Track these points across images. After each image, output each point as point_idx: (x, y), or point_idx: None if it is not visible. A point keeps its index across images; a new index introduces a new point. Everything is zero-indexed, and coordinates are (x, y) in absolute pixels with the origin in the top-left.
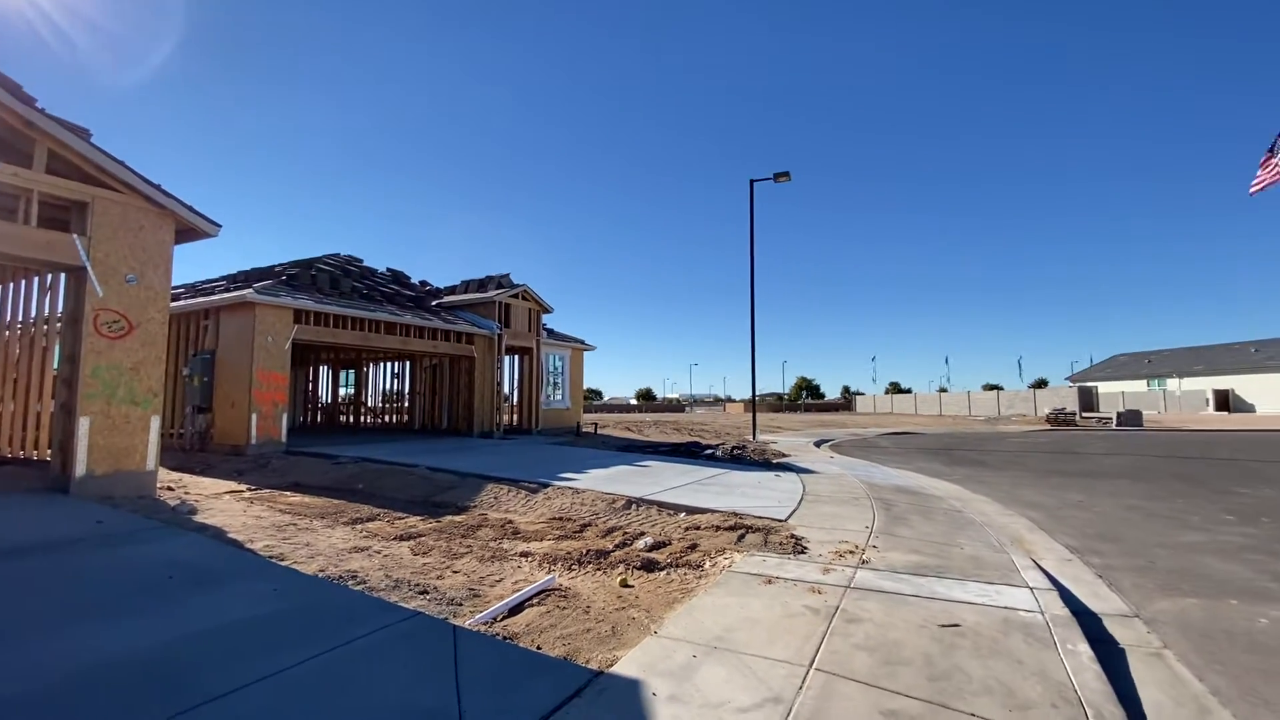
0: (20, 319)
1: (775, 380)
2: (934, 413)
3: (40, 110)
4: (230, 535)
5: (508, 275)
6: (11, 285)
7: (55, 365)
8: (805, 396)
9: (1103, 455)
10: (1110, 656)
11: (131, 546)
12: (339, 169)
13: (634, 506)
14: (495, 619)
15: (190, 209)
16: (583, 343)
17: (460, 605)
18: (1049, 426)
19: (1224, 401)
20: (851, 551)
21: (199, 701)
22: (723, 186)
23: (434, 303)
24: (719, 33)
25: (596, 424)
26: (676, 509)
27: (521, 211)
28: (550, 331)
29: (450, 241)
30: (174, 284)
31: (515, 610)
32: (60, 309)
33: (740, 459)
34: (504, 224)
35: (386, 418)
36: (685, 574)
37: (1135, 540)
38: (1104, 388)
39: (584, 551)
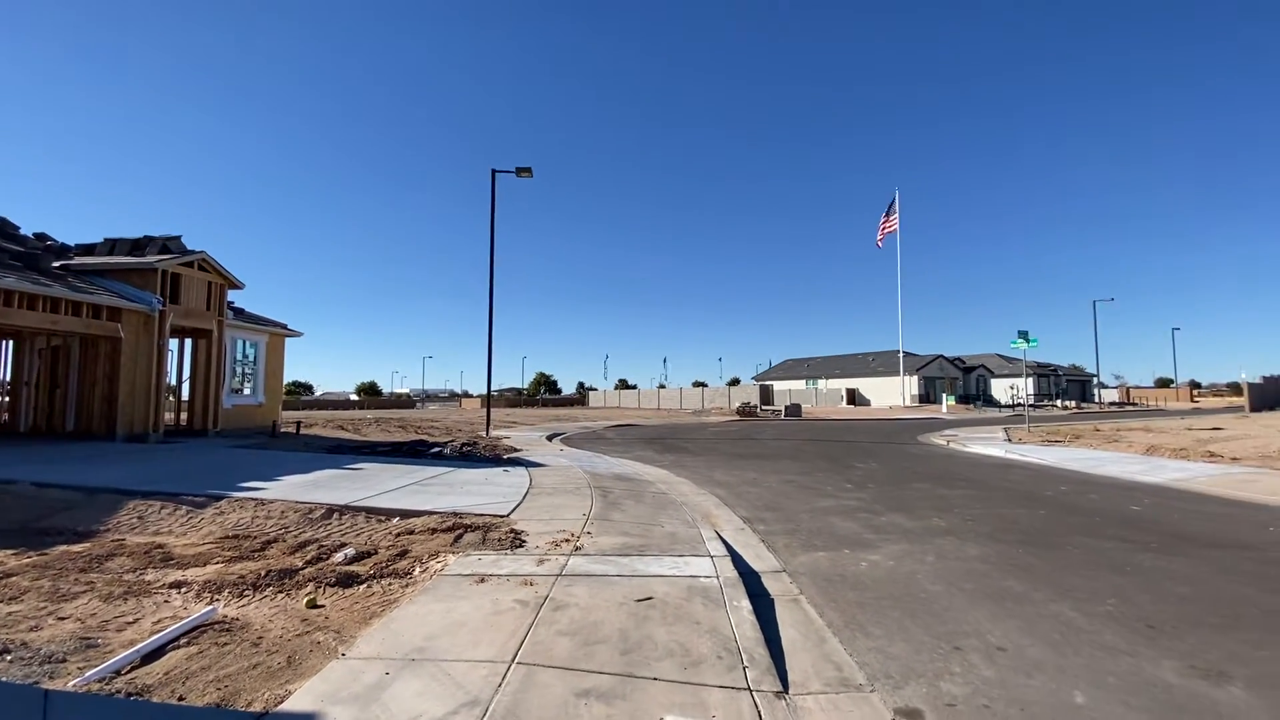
0: None
1: (515, 375)
2: (654, 407)
3: None
4: None
5: (178, 238)
6: None
7: None
8: (543, 391)
9: (772, 440)
10: (764, 608)
11: None
12: None
13: (337, 515)
14: (118, 672)
15: None
16: (285, 327)
17: (64, 662)
18: (739, 418)
19: (853, 397)
20: (567, 540)
21: None
22: (465, 178)
23: (58, 264)
24: (460, 23)
25: (301, 422)
26: (389, 514)
27: (212, 184)
28: (240, 312)
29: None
30: None
31: (152, 656)
32: None
33: (470, 456)
34: (186, 198)
35: None
36: (390, 584)
37: (789, 508)
38: (778, 385)
39: (263, 573)
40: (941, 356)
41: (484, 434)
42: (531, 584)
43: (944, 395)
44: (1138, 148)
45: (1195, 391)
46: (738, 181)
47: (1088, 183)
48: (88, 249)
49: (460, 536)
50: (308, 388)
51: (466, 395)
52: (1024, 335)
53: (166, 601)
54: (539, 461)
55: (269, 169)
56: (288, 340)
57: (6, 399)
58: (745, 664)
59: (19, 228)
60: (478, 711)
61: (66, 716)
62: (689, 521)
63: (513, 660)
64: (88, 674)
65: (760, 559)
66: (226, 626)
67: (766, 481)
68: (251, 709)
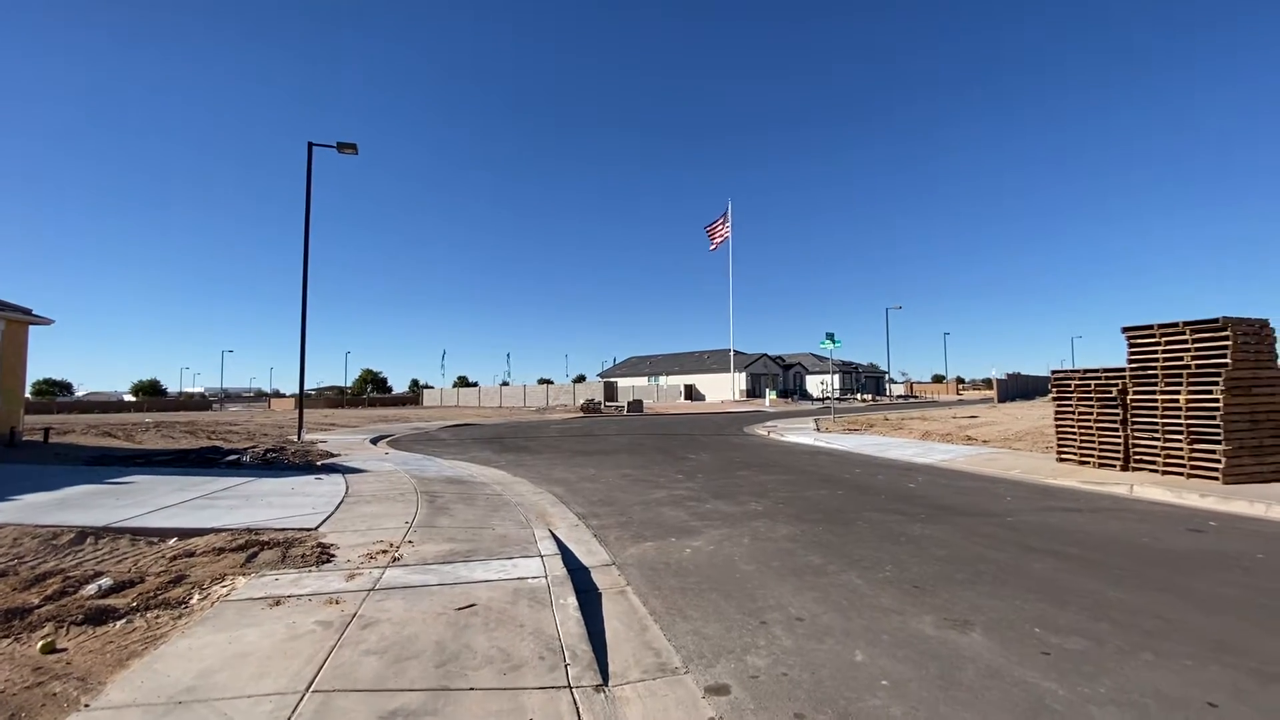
0: None
1: (337, 373)
2: (496, 405)
3: None
4: None
5: None
6: None
7: None
8: (370, 390)
9: (614, 435)
10: (591, 603)
11: None
12: None
13: (92, 540)
14: None
15: None
16: (28, 312)
17: None
18: (583, 414)
19: (690, 393)
20: (384, 551)
21: None
22: (282, 156)
23: None
24: None
25: (52, 428)
26: (165, 534)
27: None
28: None
29: None
30: None
31: None
32: None
33: (275, 464)
34: None
35: None
36: (158, 616)
37: (624, 502)
38: (622, 382)
39: None
40: (766, 355)
41: (295, 438)
42: (338, 602)
43: (767, 390)
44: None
45: (960, 386)
46: (575, 181)
47: (886, 203)
48: None
49: (255, 555)
50: (65, 386)
51: (278, 395)
52: (830, 337)
53: None
54: (359, 467)
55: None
56: (33, 329)
57: None
58: (567, 661)
59: None
60: None
61: None
62: (522, 522)
63: (307, 689)
64: None
65: (591, 554)
66: None
67: (605, 477)
68: None
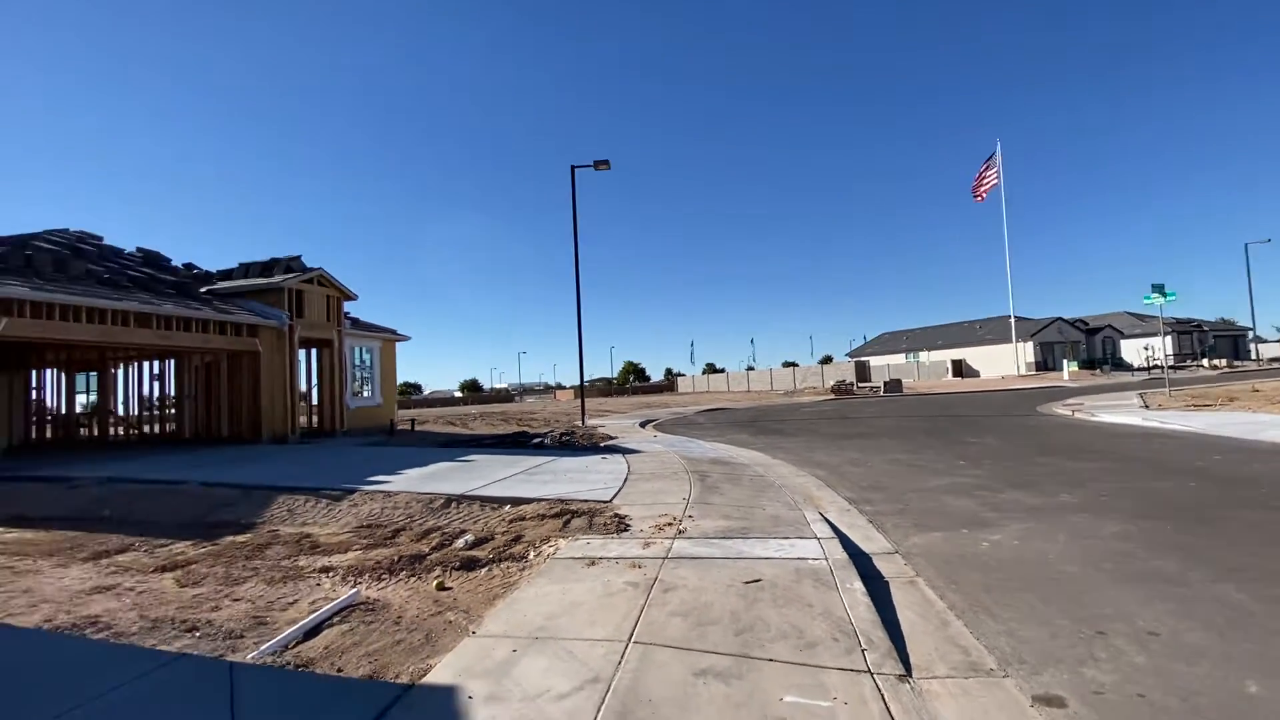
0: None
1: (604, 365)
2: (743, 389)
3: None
4: None
5: (298, 258)
6: None
7: None
8: (632, 380)
9: (873, 418)
10: (878, 590)
11: None
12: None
13: (455, 504)
14: (286, 646)
15: None
16: (394, 333)
17: (241, 638)
18: (834, 396)
19: (959, 369)
20: (669, 524)
21: None
22: (544, 176)
23: (204, 289)
24: (528, 20)
25: (415, 420)
26: (501, 502)
27: (326, 200)
28: (355, 321)
29: (237, 227)
30: None
31: (312, 633)
32: None
33: (569, 445)
34: (303, 208)
35: (147, 428)
36: (509, 567)
37: (896, 488)
38: (875, 361)
39: (396, 558)
40: (1060, 319)
41: (580, 423)
42: (639, 566)
43: (1065, 361)
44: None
45: None
46: (816, 151)
47: (1226, 113)
48: (226, 274)
49: (568, 522)
50: (417, 387)
51: (560, 387)
52: (1159, 290)
53: (318, 585)
54: (634, 448)
55: (370, 185)
56: (398, 345)
57: (173, 410)
58: (863, 646)
59: (170, 260)
60: (601, 688)
61: (248, 686)
62: (790, 503)
63: (629, 639)
64: (261, 648)
65: (870, 540)
66: (370, 607)
67: (870, 461)
68: (399, 680)
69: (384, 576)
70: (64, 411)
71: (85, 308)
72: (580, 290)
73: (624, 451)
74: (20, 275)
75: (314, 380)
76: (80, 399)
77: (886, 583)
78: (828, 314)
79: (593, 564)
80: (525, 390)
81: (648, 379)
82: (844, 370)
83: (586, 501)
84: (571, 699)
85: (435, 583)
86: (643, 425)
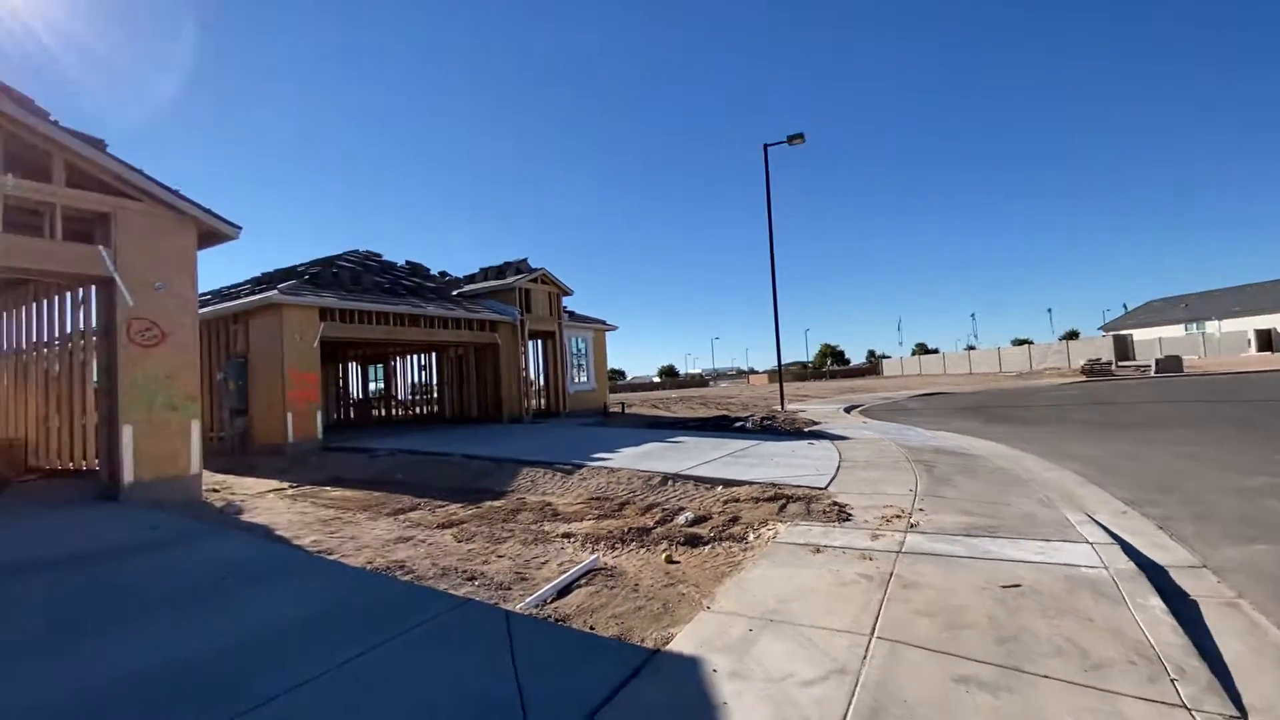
0: (57, 335)
1: (798, 349)
2: (963, 371)
3: (54, 123)
4: (278, 533)
5: (525, 260)
6: (45, 301)
7: (95, 378)
8: (830, 363)
9: (1145, 403)
10: (1183, 610)
11: (183, 550)
12: (352, 172)
13: (670, 482)
14: (545, 601)
15: (209, 212)
16: (604, 323)
17: (509, 589)
18: (1084, 378)
19: (1266, 341)
20: (898, 516)
21: (256, 703)
22: (735, 160)
23: (455, 292)
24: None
25: (624, 403)
26: (713, 482)
27: (528, 209)
28: (571, 314)
29: (461, 233)
30: (201, 290)
31: (564, 592)
32: (94, 322)
33: (771, 429)
34: (513, 217)
35: (417, 409)
36: (730, 547)
37: (1191, 488)
38: (1139, 335)
39: (625, 530)
40: None
41: (778, 408)
42: (870, 559)
43: None
44: None
45: None
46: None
47: None
48: (470, 278)
49: (784, 507)
50: (620, 374)
51: (753, 371)
52: None
53: (562, 549)
54: (841, 434)
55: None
56: (607, 334)
57: (435, 395)
58: (1172, 676)
59: (429, 269)
60: (848, 680)
61: (521, 632)
62: (1045, 501)
63: (871, 634)
64: (527, 600)
65: (1163, 549)
66: (610, 573)
67: (1148, 454)
68: (645, 645)
69: (616, 546)
70: (359, 396)
71: (374, 312)
72: (775, 269)
73: (830, 437)
74: (329, 289)
75: (540, 368)
76: (371, 387)
77: (1194, 602)
78: (1069, 283)
79: (818, 551)
80: (718, 375)
81: (847, 362)
82: (1098, 347)
83: (799, 487)
84: (818, 687)
85: (664, 556)
86: (847, 410)
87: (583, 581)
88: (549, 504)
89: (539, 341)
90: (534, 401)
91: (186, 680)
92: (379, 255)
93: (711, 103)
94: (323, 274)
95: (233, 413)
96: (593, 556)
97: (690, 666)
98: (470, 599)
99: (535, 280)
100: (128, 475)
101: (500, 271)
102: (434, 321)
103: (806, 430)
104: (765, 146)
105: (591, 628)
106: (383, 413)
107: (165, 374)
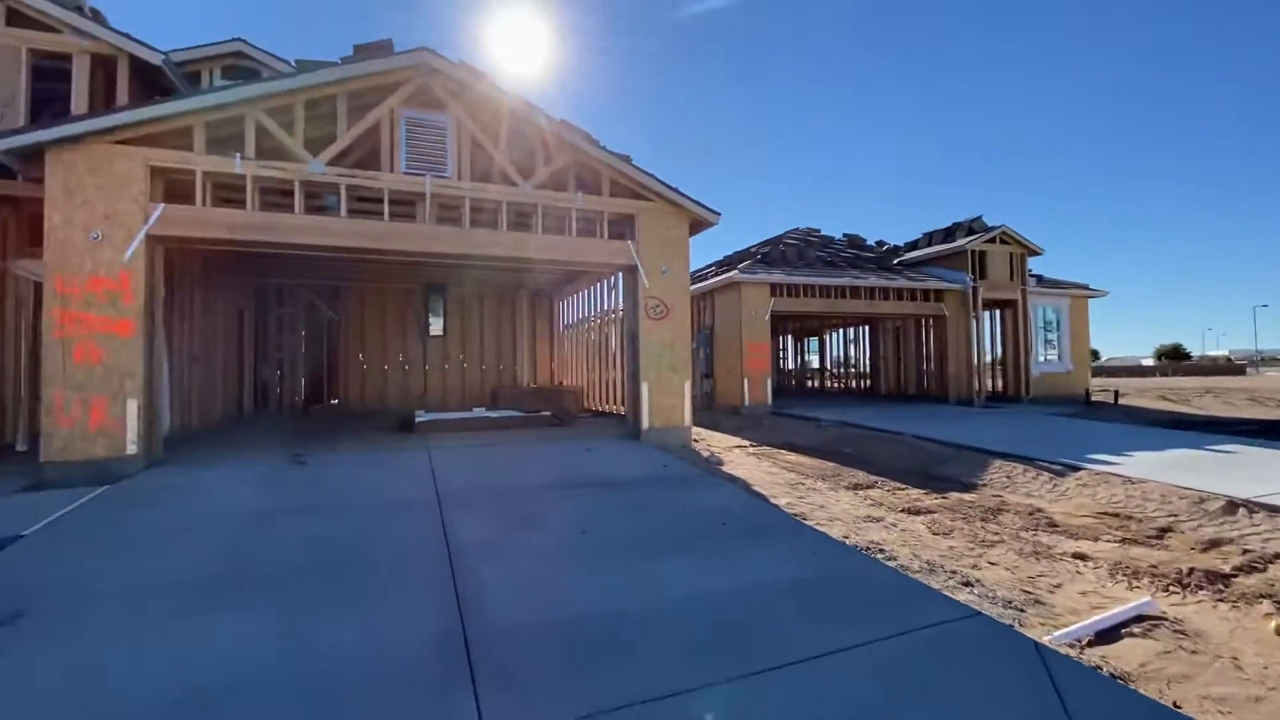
0: (596, 311)
1: None
2: None
3: (603, 149)
4: (755, 489)
5: (979, 218)
6: (591, 288)
7: (612, 344)
8: None
9: None
10: None
11: (689, 490)
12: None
13: (1242, 512)
14: (1080, 641)
15: (700, 204)
16: (1085, 287)
17: (1022, 611)
18: None
19: None
20: None
21: (764, 667)
22: None
23: (895, 261)
24: None
25: (1116, 391)
26: None
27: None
28: (1039, 278)
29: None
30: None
31: (1106, 635)
32: (620, 300)
33: None
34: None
35: (848, 383)
36: None
37: None
38: None
39: (1180, 570)
40: None
41: None
42: None
43: None
44: None
45: None
46: None
47: None
48: (911, 245)
49: None
50: (1093, 354)
51: None
52: None
53: (1077, 572)
54: None
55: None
56: (1090, 301)
57: (867, 369)
58: None
59: (865, 240)
60: None
61: (1065, 678)
62: None
63: None
64: (1056, 633)
65: None
66: (1175, 627)
67: None
68: None
69: (1171, 588)
70: (793, 368)
71: (816, 285)
72: None
73: None
74: (777, 266)
75: (998, 342)
76: (804, 359)
77: None
78: None
79: None
80: (1263, 359)
81: None
82: None
83: None
84: None
85: (1274, 624)
86: None
87: (1134, 629)
88: (1039, 509)
89: (995, 311)
90: (986, 382)
91: (698, 617)
92: (817, 230)
93: None
94: (771, 253)
95: (701, 376)
96: (1145, 600)
97: None
98: (979, 612)
99: (992, 240)
100: (645, 422)
101: (948, 234)
102: (873, 293)
103: None
104: None
105: (1176, 704)
106: (815, 384)
107: (668, 342)
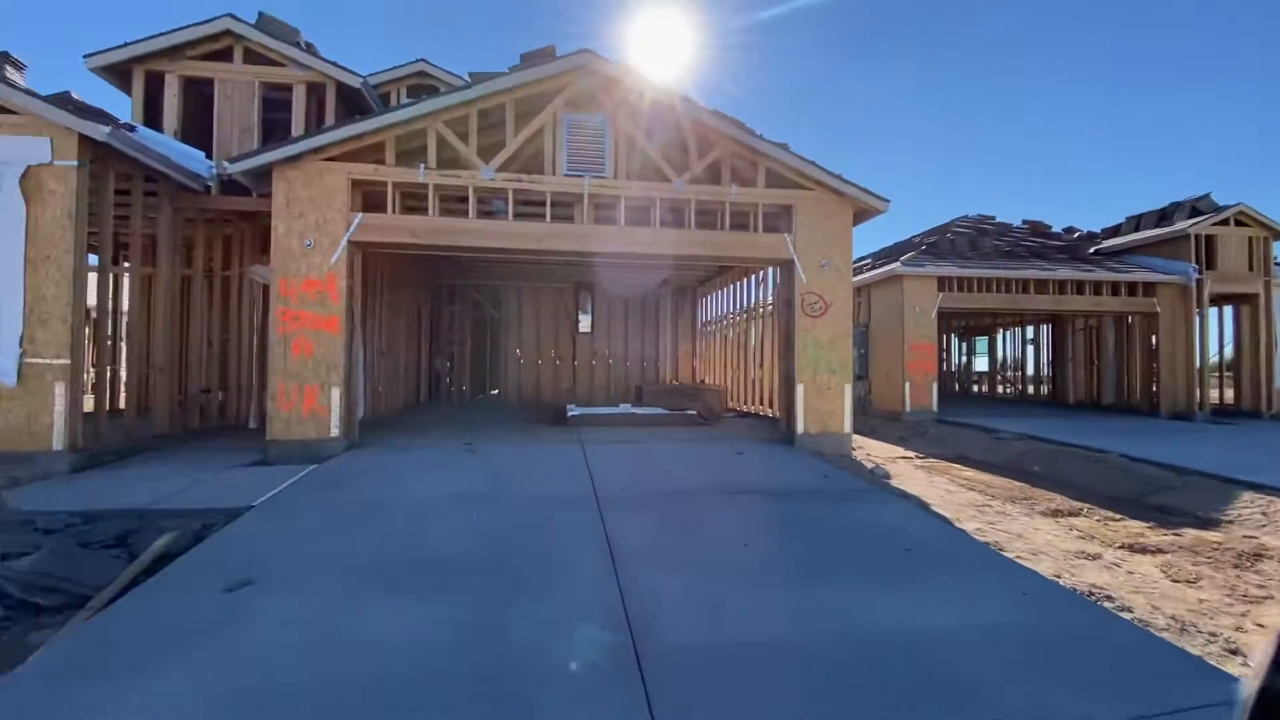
0: (742, 307)
1: None
2: None
3: (760, 137)
4: (933, 509)
5: (1207, 196)
6: (737, 283)
7: (753, 343)
8: None
9: None
10: None
11: (857, 505)
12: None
13: None
14: None
15: (866, 191)
16: None
17: None
18: None
19: None
20: None
21: None
22: None
23: (1090, 250)
24: None
25: None
26: None
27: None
28: None
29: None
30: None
31: None
32: (771, 297)
33: None
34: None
35: (1025, 388)
36: None
37: None
38: None
39: None
40: None
41: None
42: None
43: None
44: None
45: None
46: None
47: None
48: (1111, 230)
49: None
50: None
51: None
52: None
53: None
54: None
55: None
56: None
57: (1049, 374)
58: None
59: (1050, 227)
60: None
61: None
62: None
63: None
64: None
65: None
66: None
67: None
68: None
69: None
70: (958, 370)
71: (994, 279)
72: None
73: None
74: (946, 258)
75: (1228, 345)
76: (970, 361)
77: None
78: None
79: None
80: None
81: None
82: None
83: None
84: None
85: None
86: None
87: None
88: None
89: (1229, 308)
90: (1212, 392)
91: (886, 657)
92: (991, 218)
93: None
94: (939, 242)
95: (855, 378)
96: None
97: None
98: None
99: (1224, 221)
100: (800, 427)
101: (1164, 216)
102: (1064, 286)
103: None
104: None
105: None
106: (985, 389)
107: (827, 341)
